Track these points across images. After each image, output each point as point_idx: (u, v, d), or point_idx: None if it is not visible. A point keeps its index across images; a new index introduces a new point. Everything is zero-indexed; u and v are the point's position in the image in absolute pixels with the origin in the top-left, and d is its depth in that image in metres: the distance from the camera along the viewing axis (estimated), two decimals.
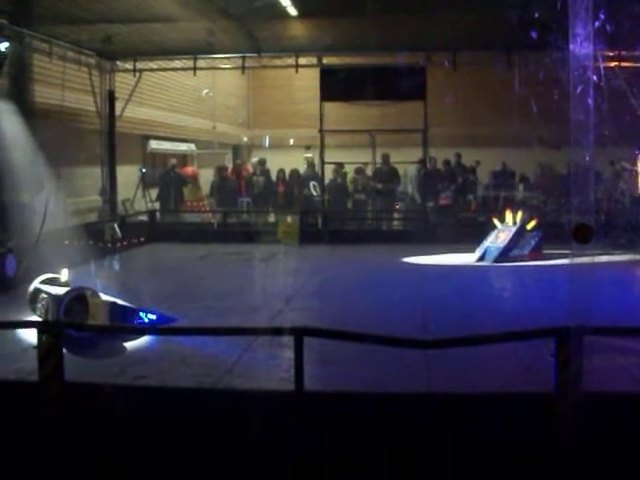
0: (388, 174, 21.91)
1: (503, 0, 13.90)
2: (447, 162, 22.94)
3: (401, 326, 9.51)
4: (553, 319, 7.34)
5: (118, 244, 18.06)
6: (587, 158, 6.15)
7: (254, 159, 26.21)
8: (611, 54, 17.54)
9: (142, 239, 19.15)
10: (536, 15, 12.90)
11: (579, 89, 6.17)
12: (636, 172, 21.16)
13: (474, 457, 6.15)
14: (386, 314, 10.61)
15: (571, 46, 6.41)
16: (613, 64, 17.60)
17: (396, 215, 22.37)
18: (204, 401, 6.58)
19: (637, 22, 13.35)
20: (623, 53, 17.81)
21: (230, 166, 24.87)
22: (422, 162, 21.54)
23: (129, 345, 9.00)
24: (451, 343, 6.87)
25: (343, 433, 6.23)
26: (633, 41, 15.89)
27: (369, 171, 22.19)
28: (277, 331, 7.78)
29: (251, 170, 23.82)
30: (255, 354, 8.44)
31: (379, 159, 21.87)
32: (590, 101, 6.22)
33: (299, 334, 6.35)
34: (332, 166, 21.59)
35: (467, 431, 6.13)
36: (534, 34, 14.36)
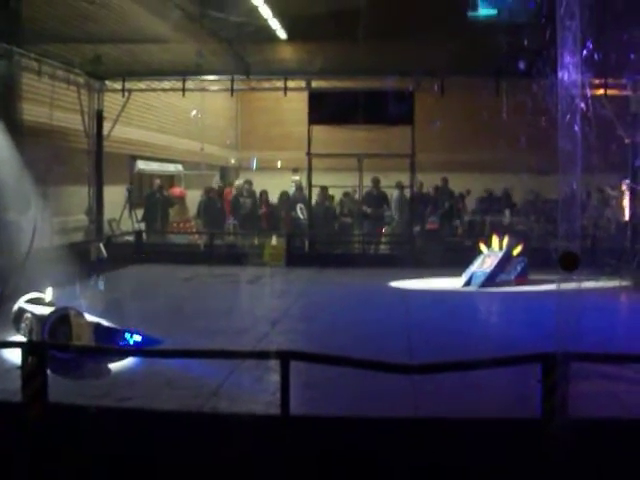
0: (377, 198, 21.97)
1: (492, 26, 14.00)
2: (437, 188, 23.07)
3: (387, 350, 9.48)
4: (539, 345, 7.34)
5: (104, 264, 17.98)
6: (574, 185, 6.18)
7: (238, 181, 26.18)
8: (598, 82, 17.67)
9: (128, 260, 19.09)
10: (524, 42, 12.99)
11: (567, 117, 6.21)
12: (621, 199, 21.31)
13: None
14: (372, 338, 10.60)
15: (559, 74, 6.46)
16: (600, 92, 17.73)
17: (383, 239, 22.38)
18: (190, 424, 6.54)
19: (623, 51, 13.47)
20: (610, 81, 17.94)
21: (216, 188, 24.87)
22: (401, 187, 21.65)
23: (114, 366, 8.95)
24: (437, 368, 6.86)
25: (329, 457, 6.20)
26: (620, 69, 16.03)
27: (357, 195, 22.21)
28: (263, 355, 7.76)
29: (234, 192, 23.79)
30: (241, 377, 8.40)
31: (366, 183, 21.91)
32: (577, 129, 6.26)
33: (285, 358, 6.33)
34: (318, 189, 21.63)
35: (453, 456, 6.11)
36: (522, 61, 14.47)
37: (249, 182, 23.68)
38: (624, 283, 16.04)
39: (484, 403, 7.46)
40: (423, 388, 7.64)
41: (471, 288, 15.91)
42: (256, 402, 7.61)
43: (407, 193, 21.43)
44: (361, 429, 6.33)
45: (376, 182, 22.02)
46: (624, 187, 20.75)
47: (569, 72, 6.35)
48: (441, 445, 6.17)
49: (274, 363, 6.85)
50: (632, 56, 14.32)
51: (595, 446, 6.01)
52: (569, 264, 6.30)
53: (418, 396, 7.65)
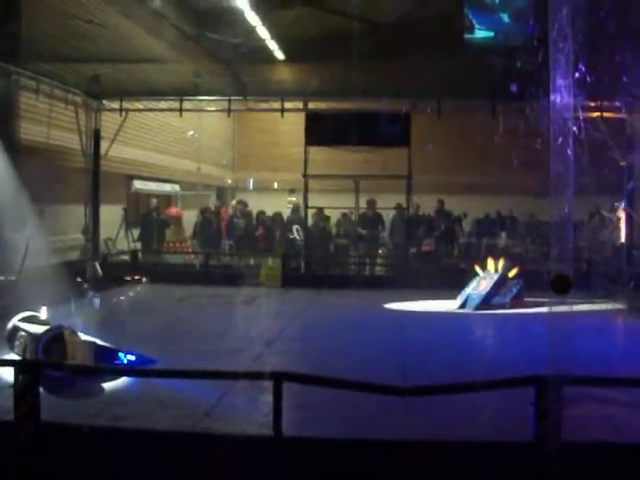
0: (373, 219, 22.01)
1: (488, 49, 14.08)
2: (437, 210, 23.15)
3: (381, 372, 9.48)
4: (532, 368, 7.34)
5: (99, 283, 17.97)
6: (566, 209, 6.20)
7: (233, 201, 26.24)
8: (593, 105, 17.76)
9: (124, 279, 19.11)
10: (521, 64, 13.05)
11: (559, 140, 6.24)
12: (617, 221, 21.35)
13: None
14: (366, 360, 10.60)
15: (551, 96, 6.49)
16: (594, 115, 17.81)
17: (378, 260, 22.39)
18: (182, 444, 6.52)
19: (618, 73, 13.54)
20: (605, 104, 18.02)
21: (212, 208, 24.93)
22: (400, 208, 21.70)
23: (107, 386, 8.93)
24: (430, 391, 6.86)
25: (321, 479, 6.18)
26: (614, 92, 16.11)
27: (354, 216, 22.26)
28: (256, 375, 7.75)
29: (230, 212, 23.84)
30: (234, 397, 8.38)
31: (363, 204, 21.95)
32: (570, 152, 6.29)
33: (278, 379, 6.33)
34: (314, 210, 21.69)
35: (445, 479, 6.10)
36: (518, 83, 14.53)
37: (243, 203, 23.73)
38: (618, 306, 16.05)
39: (477, 426, 7.44)
40: (416, 410, 7.62)
41: (466, 310, 15.91)
42: (249, 423, 7.58)
43: (404, 214, 21.47)
44: (353, 451, 6.32)
45: (371, 203, 22.07)
46: (620, 210, 20.81)
47: (561, 94, 6.39)
48: (434, 468, 6.15)
49: (268, 384, 6.85)
50: (626, 78, 14.40)
51: (588, 470, 6.00)
52: (561, 287, 6.31)
53: (411, 418, 7.62)
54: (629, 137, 19.32)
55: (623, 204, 20.14)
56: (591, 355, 9.87)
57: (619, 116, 19.03)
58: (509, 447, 6.29)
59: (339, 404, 7.85)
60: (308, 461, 6.24)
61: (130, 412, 7.90)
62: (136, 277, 19.30)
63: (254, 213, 23.43)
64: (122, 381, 9.01)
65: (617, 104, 18.43)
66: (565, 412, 6.17)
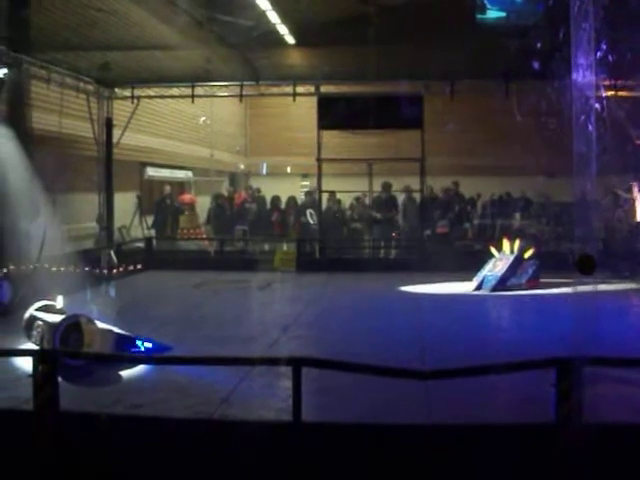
0: (387, 203, 21.92)
1: (501, 29, 13.97)
2: (447, 190, 22.99)
3: (399, 355, 9.46)
4: (551, 349, 7.30)
5: (114, 271, 17.98)
6: (587, 188, 6.13)
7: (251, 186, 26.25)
8: (608, 83, 17.60)
9: (139, 266, 19.09)
10: (534, 44, 12.94)
11: (581, 118, 6.16)
12: (633, 201, 21.19)
13: None
14: (384, 343, 10.56)
15: (574, 75, 6.41)
16: (610, 93, 17.64)
17: (393, 243, 22.31)
18: (200, 431, 6.50)
19: (634, 52, 13.41)
20: (620, 82, 17.85)
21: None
22: (408, 191, 21.61)
23: (125, 374, 8.94)
24: (450, 374, 6.80)
25: (341, 464, 6.15)
26: (631, 70, 15.95)
27: (367, 200, 22.19)
28: (275, 361, 7.71)
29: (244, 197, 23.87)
30: (252, 383, 8.37)
31: (376, 188, 21.86)
32: (592, 130, 6.21)
33: (297, 364, 6.29)
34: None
35: (467, 463, 6.06)
36: (532, 63, 14.41)
37: (252, 188, 23.71)
38: (634, 286, 15.93)
39: (498, 408, 7.40)
40: (437, 394, 7.59)
41: (483, 292, 15.84)
42: (267, 409, 7.58)
43: (417, 197, 21.37)
44: (374, 436, 6.28)
45: (386, 187, 21.97)
46: (636, 189, 20.65)
47: (583, 73, 6.31)
48: (455, 451, 6.11)
49: (285, 370, 6.82)
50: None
51: (610, 452, 5.95)
52: (586, 267, 6.24)
53: (432, 402, 7.59)
54: None
55: (637, 183, 20.00)
56: (610, 336, 9.78)
57: (634, 94, 18.87)
58: (530, 429, 6.23)
59: (358, 389, 7.82)
60: (328, 446, 6.20)
61: (148, 400, 7.90)
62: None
63: (267, 198, 23.40)
64: (139, 368, 9.01)
65: (632, 82, 18.29)
66: (585, 393, 6.11)
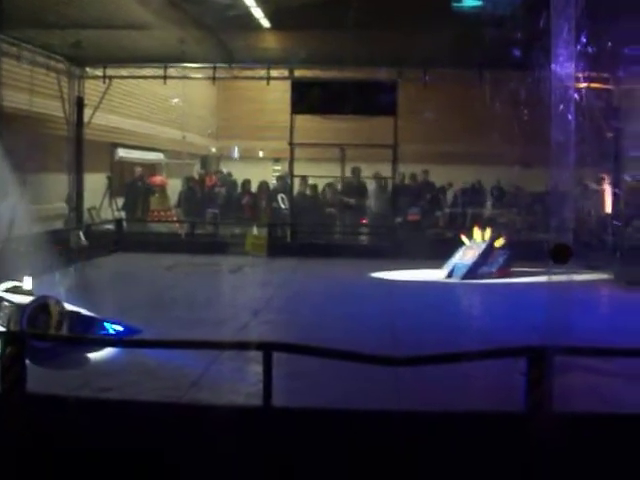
0: (358, 188, 21.93)
1: (476, 18, 13.96)
2: (413, 176, 23.05)
3: (370, 342, 9.44)
4: (521, 337, 7.33)
5: (83, 252, 17.83)
6: (565, 178, 6.14)
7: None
8: (581, 75, 17.66)
9: (108, 248, 18.96)
10: (510, 34, 12.95)
11: (560, 108, 6.16)
12: (602, 193, 21.39)
13: (442, 477, 6.07)
14: (355, 329, 10.55)
15: (552, 64, 6.41)
16: (586, 85, 17.72)
17: (364, 229, 22.34)
18: (169, 415, 6.45)
19: (605, 44, 13.48)
20: (596, 74, 17.93)
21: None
22: (378, 178, 21.64)
23: (93, 356, 8.86)
24: (421, 361, 6.79)
25: (310, 449, 6.14)
26: (609, 62, 16.05)
27: (339, 185, 22.19)
28: (245, 345, 7.66)
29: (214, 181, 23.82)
30: (222, 367, 8.33)
31: (348, 173, 21.86)
32: (571, 119, 6.22)
33: (267, 349, 6.26)
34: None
35: (437, 450, 6.06)
36: (506, 52, 14.44)
37: (221, 172, 23.64)
38: (604, 276, 16.07)
39: (468, 396, 7.42)
40: (408, 381, 7.59)
41: (453, 280, 15.89)
42: (237, 393, 7.55)
43: (389, 184, 21.39)
44: (344, 421, 6.27)
45: (356, 172, 21.98)
46: (606, 181, 20.84)
47: (560, 63, 6.31)
48: (423, 438, 6.11)
49: (255, 354, 6.78)
50: (613, 49, 14.36)
51: (579, 440, 5.97)
52: (561, 256, 6.26)
53: (403, 389, 7.59)
54: (616, 109, 19.30)
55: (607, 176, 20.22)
56: (580, 325, 9.83)
57: (606, 87, 19.00)
58: (500, 417, 6.25)
59: (329, 375, 7.81)
60: (298, 431, 6.18)
61: (116, 383, 7.83)
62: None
63: (239, 182, 23.34)
64: (108, 351, 8.92)
65: (604, 75, 18.41)
66: (556, 382, 6.13)
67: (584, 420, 6.18)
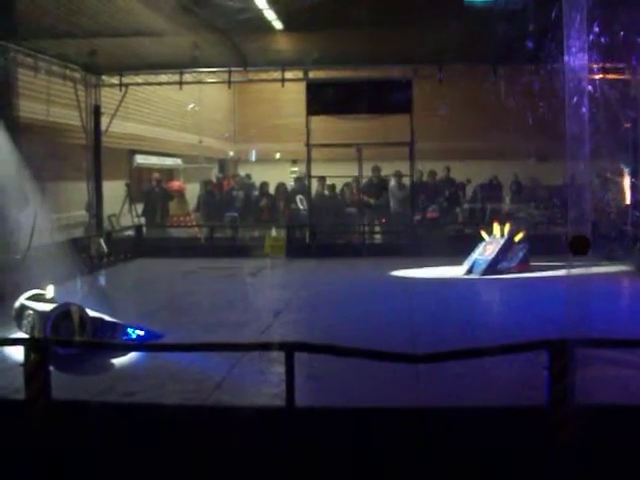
0: (378, 187, 21.91)
1: (490, 13, 13.94)
2: (433, 173, 23.00)
3: (391, 340, 9.45)
4: (542, 331, 7.31)
5: (104, 259, 17.94)
6: (583, 170, 6.12)
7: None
8: (596, 66, 17.58)
9: (129, 254, 19.06)
10: (523, 28, 12.92)
11: (574, 99, 6.14)
12: (621, 184, 21.25)
13: (466, 473, 6.08)
14: (376, 328, 10.55)
15: (566, 57, 6.39)
16: (602, 76, 17.64)
17: (383, 228, 22.31)
18: (193, 417, 6.49)
19: (620, 35, 13.41)
20: (611, 65, 17.83)
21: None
22: (399, 176, 21.57)
23: (117, 362, 8.91)
24: (442, 357, 6.80)
25: (334, 448, 6.16)
26: (623, 52, 15.95)
27: (358, 185, 22.16)
28: (267, 346, 7.69)
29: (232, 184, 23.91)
30: (244, 369, 8.36)
31: (366, 173, 21.84)
32: (585, 111, 6.19)
33: (290, 349, 6.28)
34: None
35: (459, 446, 6.06)
36: (519, 46, 14.40)
37: (239, 175, 23.67)
38: (625, 268, 15.98)
39: (491, 391, 7.41)
40: (429, 378, 7.59)
41: (473, 276, 15.85)
42: (260, 394, 7.57)
43: (407, 182, 21.35)
44: (367, 420, 6.28)
45: (377, 171, 21.96)
46: (626, 173, 20.69)
47: (574, 56, 6.28)
48: (448, 435, 6.12)
49: (278, 355, 6.81)
50: (629, 40, 14.27)
51: (603, 433, 5.96)
52: (580, 248, 6.23)
53: (424, 386, 7.59)
54: (633, 99, 19.16)
55: (626, 167, 20.06)
56: (601, 317, 9.79)
57: (622, 77, 18.87)
58: (523, 412, 6.24)
59: (350, 374, 7.82)
60: (322, 431, 6.21)
61: (140, 387, 7.88)
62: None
63: (257, 184, 23.39)
64: (131, 356, 8.99)
65: (620, 65, 18.30)
66: (578, 375, 6.12)
67: (608, 412, 6.16)
